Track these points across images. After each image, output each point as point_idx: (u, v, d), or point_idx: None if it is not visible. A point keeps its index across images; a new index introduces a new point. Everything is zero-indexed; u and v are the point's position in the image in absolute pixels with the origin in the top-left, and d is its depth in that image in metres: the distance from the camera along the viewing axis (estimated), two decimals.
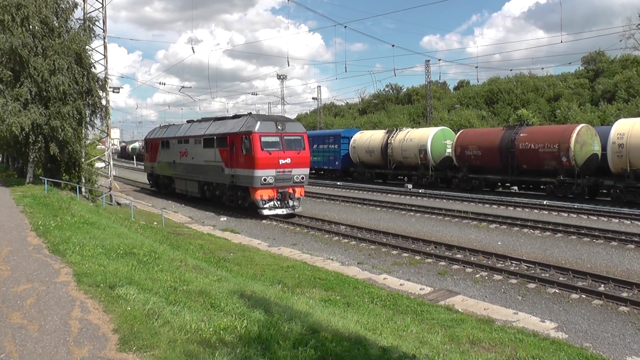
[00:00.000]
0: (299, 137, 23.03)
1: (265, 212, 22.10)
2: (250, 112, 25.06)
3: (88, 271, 7.98)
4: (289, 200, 22.59)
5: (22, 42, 21.15)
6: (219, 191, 25.81)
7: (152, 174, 35.84)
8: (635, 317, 9.78)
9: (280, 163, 21.90)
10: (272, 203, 22.28)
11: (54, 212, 15.05)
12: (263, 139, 21.71)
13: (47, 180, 21.64)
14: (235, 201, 24.37)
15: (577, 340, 8.79)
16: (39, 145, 22.67)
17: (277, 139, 22.16)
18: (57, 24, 23.82)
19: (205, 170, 26.24)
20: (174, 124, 35.50)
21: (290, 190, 22.61)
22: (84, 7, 26.64)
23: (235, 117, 25.46)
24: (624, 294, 10.86)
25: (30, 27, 21.99)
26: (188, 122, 31.12)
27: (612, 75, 54.18)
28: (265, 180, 21.64)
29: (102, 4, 27.52)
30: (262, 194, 21.98)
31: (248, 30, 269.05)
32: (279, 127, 22.32)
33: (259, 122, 22.11)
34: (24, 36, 21.43)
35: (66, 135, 22.26)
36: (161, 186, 34.49)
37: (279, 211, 22.36)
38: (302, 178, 22.75)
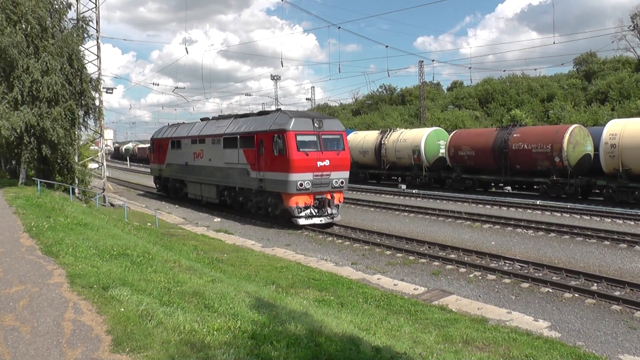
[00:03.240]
0: (338, 136, 20.63)
1: (301, 221, 19.66)
2: (280, 108, 22.64)
3: (81, 272, 7.94)
4: (327, 208, 20.14)
5: (13, 42, 20.98)
6: (242, 197, 23.27)
7: (160, 177, 33.13)
8: (627, 315, 9.85)
9: (319, 166, 19.47)
10: (308, 211, 19.80)
11: (47, 213, 14.97)
12: (299, 138, 19.30)
13: (40, 182, 21.52)
14: (264, 209, 21.85)
15: (570, 339, 8.84)
16: (32, 146, 22.53)
17: (314, 138, 19.70)
18: (50, 24, 23.69)
19: (226, 173, 23.72)
20: (184, 122, 32.56)
21: (329, 197, 20.10)
22: (77, 7, 26.53)
23: (262, 113, 23.08)
24: (617, 293, 10.94)
25: (24, 26, 21.80)
26: (202, 120, 28.79)
27: (605, 76, 54.52)
28: (301, 185, 19.16)
29: (96, 4, 27.42)
30: (297, 201, 19.49)
31: (242, 30, 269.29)
32: (315, 125, 19.86)
33: (293, 119, 19.70)
34: (16, 36, 21.26)
35: (57, 136, 22.05)
36: (170, 190, 31.72)
37: (317, 220, 19.88)
38: (342, 182, 20.30)
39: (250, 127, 22.12)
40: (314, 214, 19.94)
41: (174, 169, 30.22)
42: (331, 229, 19.76)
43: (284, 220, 20.64)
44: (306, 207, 19.73)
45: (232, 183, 23.49)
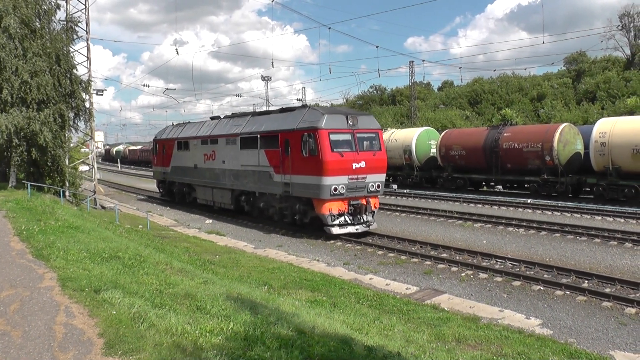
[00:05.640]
0: (374, 134, 18.74)
1: (335, 230, 17.65)
2: (306, 104, 20.37)
3: (72, 275, 7.90)
4: (363, 215, 18.21)
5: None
6: (263, 203, 21.16)
7: (164, 181, 30.65)
8: (617, 312, 9.93)
9: (354, 168, 17.58)
10: (342, 219, 17.84)
11: (37, 217, 14.85)
12: (332, 137, 17.40)
13: (30, 185, 21.35)
14: (290, 216, 19.71)
15: (561, 336, 8.89)
16: (21, 149, 22.33)
17: (348, 136, 17.82)
18: (39, 26, 23.50)
19: (244, 176, 21.62)
20: (190, 122, 30.07)
21: (364, 202, 18.16)
22: (67, 8, 26.35)
23: (285, 110, 21.15)
24: (607, 290, 11.03)
25: (9, 28, 21.56)
26: (212, 118, 26.95)
27: (594, 76, 54.98)
28: (335, 190, 17.23)
29: (85, 5, 27.25)
30: (330, 208, 17.52)
31: (233, 31, 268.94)
32: (349, 122, 17.94)
33: (325, 116, 17.81)
34: (2, 37, 21.06)
35: (47, 139, 21.84)
36: (176, 195, 29.42)
37: (352, 229, 17.85)
38: (378, 186, 18.40)
39: (273, 125, 20.17)
40: (349, 221, 17.99)
41: (180, 172, 28.02)
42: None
43: (313, 228, 18.98)
44: (340, 214, 17.81)
45: (251, 187, 21.44)
